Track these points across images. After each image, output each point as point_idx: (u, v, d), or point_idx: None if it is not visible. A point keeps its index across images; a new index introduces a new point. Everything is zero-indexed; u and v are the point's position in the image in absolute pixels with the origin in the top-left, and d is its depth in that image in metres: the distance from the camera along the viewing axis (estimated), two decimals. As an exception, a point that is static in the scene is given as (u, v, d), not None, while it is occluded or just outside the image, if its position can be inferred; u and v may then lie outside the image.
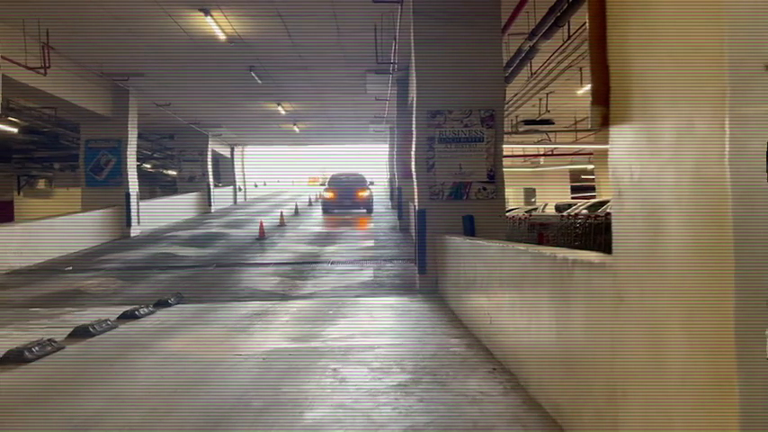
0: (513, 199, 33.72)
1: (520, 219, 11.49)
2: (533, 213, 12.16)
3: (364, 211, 22.19)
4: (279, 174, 40.17)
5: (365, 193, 22.17)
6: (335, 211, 22.28)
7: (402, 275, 10.32)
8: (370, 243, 14.52)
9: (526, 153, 29.34)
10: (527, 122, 20.36)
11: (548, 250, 3.50)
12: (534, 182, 34.06)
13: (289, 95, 18.21)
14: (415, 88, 9.48)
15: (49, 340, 5.68)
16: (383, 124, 22.05)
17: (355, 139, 28.95)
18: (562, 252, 3.26)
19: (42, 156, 24.30)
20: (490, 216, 8.97)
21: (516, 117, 20.18)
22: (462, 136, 9.19)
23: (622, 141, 2.27)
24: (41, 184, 27.59)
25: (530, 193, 36.01)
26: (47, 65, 11.58)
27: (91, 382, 4.63)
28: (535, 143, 24.08)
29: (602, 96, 2.35)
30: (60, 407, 3.94)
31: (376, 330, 6.37)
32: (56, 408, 3.93)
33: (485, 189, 9.18)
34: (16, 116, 18.14)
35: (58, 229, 14.24)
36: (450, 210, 9.00)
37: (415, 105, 9.43)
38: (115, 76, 15.14)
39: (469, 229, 8.91)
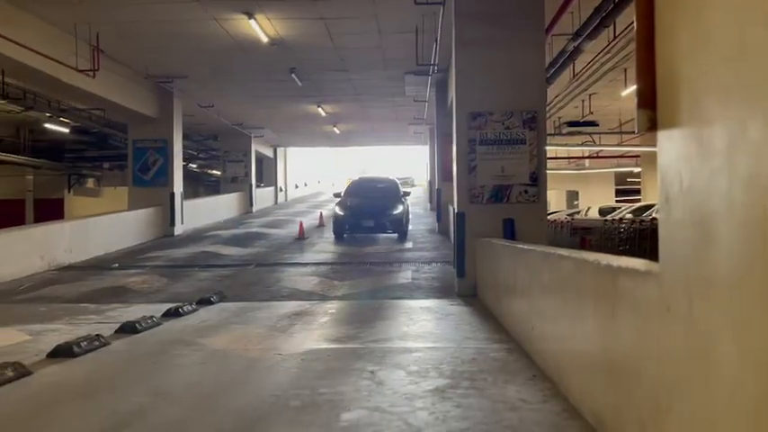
0: (555, 202, 33.22)
1: (562, 222, 11.28)
2: (576, 217, 11.92)
3: (394, 235, 15.36)
4: (320, 175, 40.46)
5: (397, 210, 15.24)
6: (353, 234, 15.60)
7: (441, 278, 10.27)
8: (409, 245, 14.50)
9: (570, 155, 28.87)
10: (570, 124, 20.05)
11: (591, 256, 3.43)
12: (578, 184, 33.47)
13: (329, 97, 18.33)
14: (455, 90, 9.42)
15: (96, 336, 5.85)
16: (423, 125, 22.01)
17: (395, 141, 28.98)
18: (606, 258, 3.18)
19: (92, 155, 25.07)
20: (531, 220, 8.85)
21: (559, 119, 19.88)
22: (504, 138, 9.09)
23: (671, 146, 2.20)
24: (91, 184, 28.41)
25: (572, 196, 35.42)
26: (96, 68, 11.92)
27: (135, 378, 4.75)
28: (579, 145, 23.68)
29: (648, 99, 2.29)
30: (105, 401, 4.05)
31: (414, 333, 6.35)
32: (101, 402, 4.03)
33: (526, 192, 9.06)
34: (67, 117, 18.76)
35: (105, 227, 14.67)
36: (491, 213, 8.91)
37: (455, 107, 9.37)
38: (160, 78, 15.49)
39: (510, 232, 8.81)
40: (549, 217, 13.82)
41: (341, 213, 15.46)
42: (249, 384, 4.44)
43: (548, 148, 18.46)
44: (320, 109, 19.54)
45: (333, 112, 20.55)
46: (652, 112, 2.30)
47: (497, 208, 8.94)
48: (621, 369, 2.87)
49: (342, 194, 16.67)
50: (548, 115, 19.43)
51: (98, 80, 12.53)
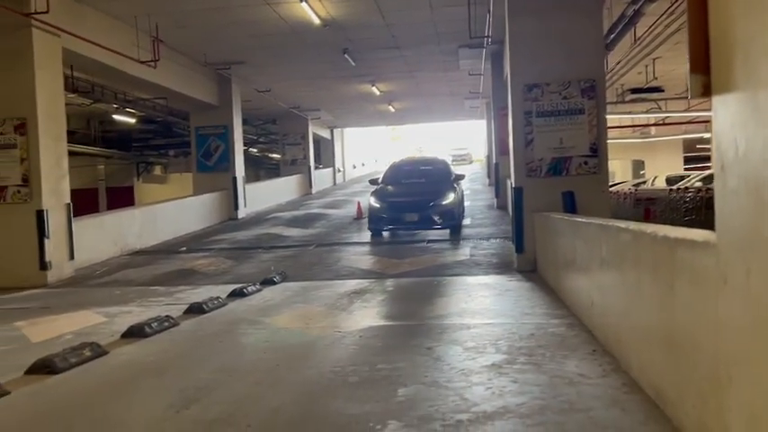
0: (621, 172, 32.16)
1: (625, 193, 10.92)
2: (640, 187, 11.52)
3: (444, 230, 12.26)
4: (377, 154, 40.56)
5: (448, 199, 12.17)
6: (393, 229, 12.61)
7: (499, 254, 10.19)
8: (467, 221, 14.41)
9: (635, 123, 27.83)
10: (634, 91, 19.32)
11: (649, 228, 3.33)
12: (644, 153, 32.25)
13: (382, 76, 18.28)
14: (509, 61, 9.25)
15: (166, 316, 6.13)
16: (479, 100, 21.69)
17: (451, 116, 28.68)
18: (664, 230, 3.09)
19: (158, 144, 26.00)
20: (592, 192, 8.65)
21: (622, 86, 19.17)
22: (561, 109, 8.88)
23: (726, 112, 2.11)
24: (158, 171, 29.49)
25: (639, 166, 34.21)
26: (157, 58, 12.30)
27: (202, 356, 4.96)
28: (644, 113, 22.79)
29: (701, 64, 2.20)
30: (174, 378, 4.26)
31: (471, 310, 6.35)
32: (170, 379, 4.25)
33: (586, 163, 8.85)
34: (133, 107, 19.47)
35: (173, 212, 15.23)
36: (549, 186, 8.75)
37: (509, 79, 9.21)
38: (218, 65, 15.83)
39: (570, 205, 8.63)
40: (613, 188, 13.39)
41: (376, 206, 12.15)
42: (310, 361, 4.57)
43: (610, 117, 17.90)
44: (374, 88, 19.53)
45: (387, 91, 20.50)
46: (705, 76, 2.21)
47: (556, 181, 8.78)
48: (681, 342, 2.80)
49: (379, 181, 13.41)
50: (609, 83, 18.80)
51: (159, 70, 12.91)
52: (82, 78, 15.53)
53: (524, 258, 8.88)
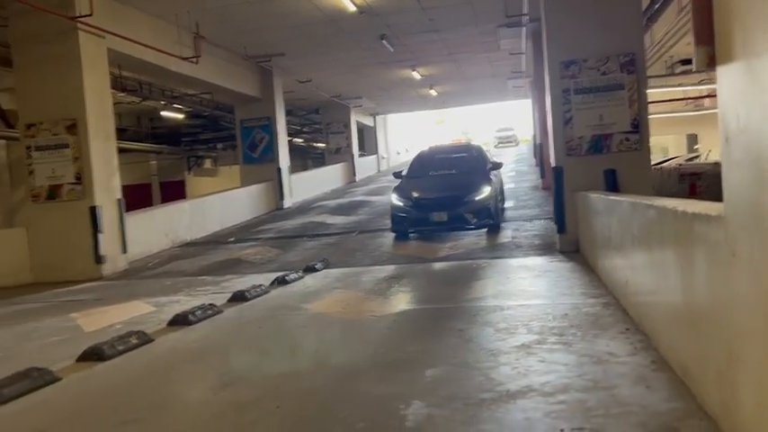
0: (674, 147, 31.11)
1: (669, 169, 10.62)
2: (685, 162, 11.15)
3: (479, 229, 10.48)
4: (421, 139, 40.42)
5: (483, 193, 10.36)
6: (419, 231, 10.87)
7: (542, 236, 10.08)
8: (511, 203, 14.26)
9: (687, 96, 26.84)
10: (684, 62, 18.64)
11: (672, 203, 3.28)
12: (697, 127, 31.07)
13: (422, 60, 18.20)
14: (545, 39, 9.09)
15: (210, 305, 6.36)
16: (522, 79, 21.34)
17: (494, 97, 28.30)
18: (684, 204, 3.05)
19: (206, 138, 26.63)
20: (635, 169, 8.47)
21: (671, 57, 18.52)
22: (600, 85, 8.69)
23: (728, 83, 2.08)
24: (208, 164, 30.22)
25: (693, 140, 33.00)
26: (198, 54, 12.60)
27: (242, 341, 5.15)
28: (696, 84, 21.95)
29: (706, 35, 2.16)
30: (214, 362, 4.45)
31: (508, 291, 6.34)
32: (210, 363, 4.44)
33: (627, 140, 8.66)
34: (180, 103, 19.99)
35: (220, 204, 15.64)
36: (590, 165, 8.61)
37: (546, 57, 9.06)
38: (258, 58, 16.09)
39: (611, 183, 8.48)
40: (664, 164, 12.96)
41: (399, 204, 10.56)
42: (342, 344, 4.69)
43: (659, 90, 17.32)
44: (414, 72, 19.46)
45: (428, 75, 20.40)
46: (710, 47, 2.17)
47: (597, 159, 8.63)
48: (701, 318, 2.77)
49: (403, 174, 11.77)
50: (657, 55, 18.20)
51: (201, 65, 13.23)
52: (130, 77, 16.07)
53: (566, 239, 8.78)
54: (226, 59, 15.27)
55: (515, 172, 22.23)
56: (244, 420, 3.21)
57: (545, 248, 9.01)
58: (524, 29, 14.26)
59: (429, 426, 2.92)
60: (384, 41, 15.12)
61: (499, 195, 11.46)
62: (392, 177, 12.35)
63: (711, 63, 2.17)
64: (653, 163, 12.94)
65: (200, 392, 3.78)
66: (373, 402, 3.31)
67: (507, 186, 17.47)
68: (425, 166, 11.97)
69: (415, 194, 10.59)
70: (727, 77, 2.07)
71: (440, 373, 3.73)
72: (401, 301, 6.16)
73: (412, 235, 10.92)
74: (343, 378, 3.84)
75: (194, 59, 12.72)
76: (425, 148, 13.64)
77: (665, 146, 27.72)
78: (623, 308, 4.91)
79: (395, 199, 10.79)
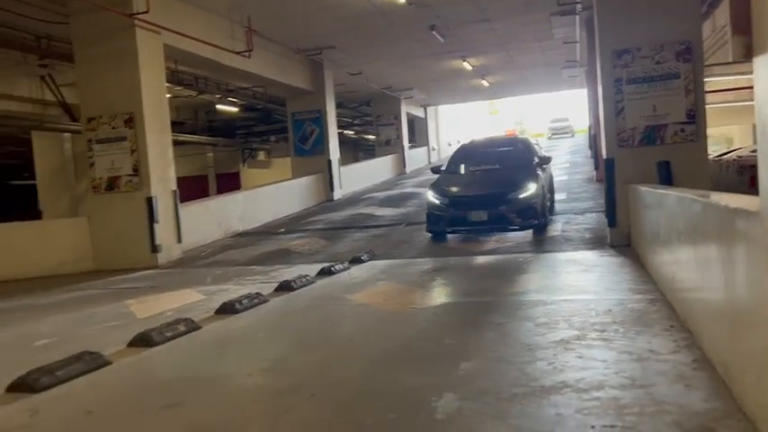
0: (739, 138, 29.81)
1: (728, 161, 10.15)
2: (744, 154, 10.63)
3: (523, 230, 9.64)
4: (473, 130, 40.02)
5: (528, 190, 9.50)
6: (458, 233, 10.14)
7: (593, 229, 9.87)
8: (562, 196, 14.01)
9: (752, 84, 25.65)
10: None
11: (716, 197, 3.17)
12: None
13: (473, 50, 18.00)
14: (596, 27, 8.87)
15: (256, 294, 6.52)
16: (576, 68, 20.84)
17: (549, 87, 27.71)
18: (727, 199, 2.94)
19: (260, 130, 27.15)
20: (690, 161, 8.20)
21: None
22: (654, 74, 8.44)
23: (765, 74, 1.99)
24: (262, 156, 30.81)
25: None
26: (250, 48, 12.84)
27: (283, 330, 5.27)
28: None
29: (743, 25, 2.08)
30: (255, 349, 4.57)
31: (552, 286, 6.26)
32: (251, 350, 4.56)
33: (683, 131, 8.38)
34: (234, 96, 20.43)
35: (272, 195, 15.94)
36: (643, 156, 8.40)
37: (597, 45, 8.84)
38: (309, 51, 16.26)
39: (665, 176, 8.23)
40: (727, 155, 12.42)
41: (435, 202, 9.91)
42: (381, 335, 4.73)
43: (724, 78, 16.59)
44: (465, 63, 19.27)
45: (479, 65, 20.17)
46: (747, 38, 2.08)
47: (650, 151, 8.40)
48: (741, 316, 2.68)
49: (442, 169, 11.12)
50: (722, 42, 17.45)
51: (254, 59, 13.48)
52: (186, 71, 16.54)
53: (617, 233, 8.58)
54: (277, 53, 15.50)
55: (569, 163, 21.79)
56: (279, 406, 3.30)
57: (595, 242, 8.83)
58: (578, 17, 13.92)
59: (459, 418, 2.93)
60: (434, 32, 15.04)
61: (547, 193, 10.63)
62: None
63: (748, 54, 2.08)
64: (716, 155, 12.45)
65: (241, 378, 3.90)
66: (406, 393, 3.34)
67: (560, 178, 17.18)
68: (466, 160, 11.22)
69: (453, 191, 9.88)
70: (764, 69, 1.98)
71: (474, 367, 3.72)
72: (443, 294, 6.16)
73: (450, 235, 10.24)
74: (379, 368, 3.88)
75: (247, 53, 12.97)
76: (467, 141, 12.80)
77: (730, 137, 26.56)
78: (670, 304, 4.77)
79: (431, 196, 10.09)
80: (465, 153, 11.57)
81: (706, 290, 3.46)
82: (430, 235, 10.49)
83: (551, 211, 11.07)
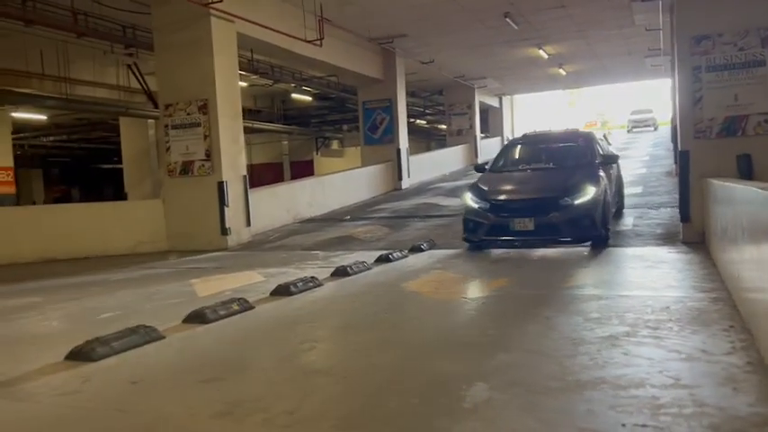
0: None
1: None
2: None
3: (578, 243, 8.17)
4: (552, 120, 38.96)
5: (584, 196, 7.96)
6: (496, 241, 8.50)
7: (666, 224, 9.44)
8: (638, 189, 13.46)
9: None
10: None
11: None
12: None
13: (549, 38, 17.50)
14: (675, 11, 8.42)
15: (312, 278, 6.63)
16: (660, 57, 19.85)
17: (631, 77, 26.53)
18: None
19: (333, 119, 27.54)
20: (774, 153, 7.67)
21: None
22: (737, 62, 7.95)
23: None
24: (335, 145, 31.26)
25: None
26: (322, 36, 13.01)
27: (331, 314, 5.34)
28: None
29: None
30: (300, 331, 4.65)
31: (611, 281, 6.04)
32: (297, 331, 4.64)
33: (767, 122, 7.85)
34: (308, 85, 20.79)
35: (340, 183, 16.16)
36: (721, 149, 7.96)
37: (675, 31, 8.41)
38: (381, 40, 16.29)
39: (745, 170, 7.76)
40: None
41: (473, 206, 8.41)
42: (425, 323, 4.71)
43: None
44: (541, 51, 18.77)
45: (556, 53, 19.59)
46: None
47: (730, 143, 7.94)
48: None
49: (487, 168, 9.67)
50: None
51: (325, 48, 13.64)
52: (262, 60, 16.96)
53: (690, 229, 8.17)
54: (349, 42, 15.62)
55: (649, 156, 20.91)
56: (310, 386, 3.35)
57: (667, 238, 8.44)
58: (660, 2, 13.25)
59: (485, 408, 2.87)
60: (508, 19, 14.74)
61: (613, 198, 9.22)
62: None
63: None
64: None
65: (281, 359, 3.98)
66: (437, 381, 3.31)
67: (638, 171, 16.52)
68: (516, 158, 9.73)
69: (494, 194, 8.35)
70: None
71: (512, 359, 3.64)
72: (495, 285, 6.05)
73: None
74: (416, 355, 3.87)
75: (318, 42, 13.13)
76: (520, 135, 11.31)
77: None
78: (734, 305, 4.50)
79: (469, 199, 8.54)
80: (514, 149, 10.08)
81: (766, 289, 3.23)
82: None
83: (619, 214, 10.09)
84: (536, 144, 10.08)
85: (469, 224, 8.48)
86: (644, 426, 2.58)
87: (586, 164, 8.82)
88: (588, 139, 9.68)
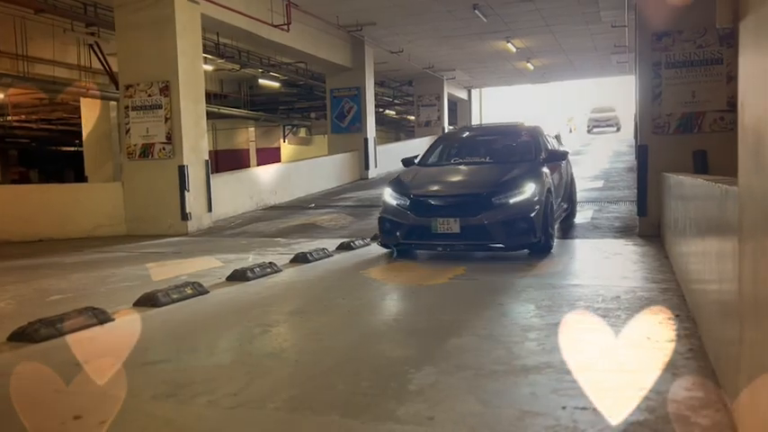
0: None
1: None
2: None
3: (510, 250, 6.91)
4: (524, 116, 39.13)
5: (520, 195, 6.76)
6: (415, 246, 7.23)
7: (624, 218, 9.61)
8: (599, 184, 13.68)
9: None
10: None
11: (717, 181, 3.01)
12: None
13: (517, 31, 17.61)
14: (637, 8, 8.55)
15: (270, 263, 6.57)
16: (626, 54, 20.17)
17: (597, 73, 26.89)
18: (726, 182, 2.79)
19: (301, 107, 27.27)
20: (729, 151, 7.78)
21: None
22: (695, 59, 8.10)
23: (752, 40, 1.86)
24: (303, 133, 31.00)
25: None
26: (288, 21, 12.85)
27: (287, 299, 5.31)
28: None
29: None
30: (254, 317, 4.60)
31: (566, 271, 6.11)
32: (250, 316, 4.60)
33: (722, 119, 8.04)
34: (276, 71, 20.54)
35: (306, 171, 16.04)
36: (678, 145, 8.11)
37: (636, 27, 8.53)
38: (350, 28, 16.18)
39: (701, 166, 7.92)
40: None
41: (391, 202, 7.21)
42: (380, 309, 4.73)
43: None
44: (510, 44, 18.88)
45: (524, 47, 19.74)
46: (734, 2, 1.95)
47: (686, 139, 8.10)
48: (729, 307, 2.54)
49: (416, 162, 8.28)
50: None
51: (293, 34, 13.51)
52: (229, 44, 16.69)
53: (647, 222, 8.33)
54: (317, 28, 15.48)
55: (613, 152, 21.25)
56: (260, 369, 3.32)
57: (623, 231, 8.60)
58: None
59: (431, 391, 2.89)
60: (477, 11, 14.77)
61: (561, 201, 8.23)
62: None
63: (736, 18, 1.95)
64: None
65: (231, 342, 3.94)
66: (386, 364, 3.31)
67: (601, 167, 16.76)
68: (449, 151, 8.50)
69: (415, 190, 7.07)
70: (748, 34, 1.85)
71: (462, 343, 3.67)
72: (453, 274, 6.08)
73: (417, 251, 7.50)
74: (367, 340, 3.87)
75: (286, 27, 12.99)
76: (459, 126, 9.96)
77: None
78: (682, 295, 4.60)
79: (387, 195, 7.35)
80: (448, 142, 8.87)
81: (705, 280, 3.32)
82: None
83: (568, 222, 9.06)
84: (475, 137, 9.20)
85: (386, 224, 7.20)
86: (584, 408, 2.62)
87: (529, 160, 7.69)
88: (534, 134, 8.45)
